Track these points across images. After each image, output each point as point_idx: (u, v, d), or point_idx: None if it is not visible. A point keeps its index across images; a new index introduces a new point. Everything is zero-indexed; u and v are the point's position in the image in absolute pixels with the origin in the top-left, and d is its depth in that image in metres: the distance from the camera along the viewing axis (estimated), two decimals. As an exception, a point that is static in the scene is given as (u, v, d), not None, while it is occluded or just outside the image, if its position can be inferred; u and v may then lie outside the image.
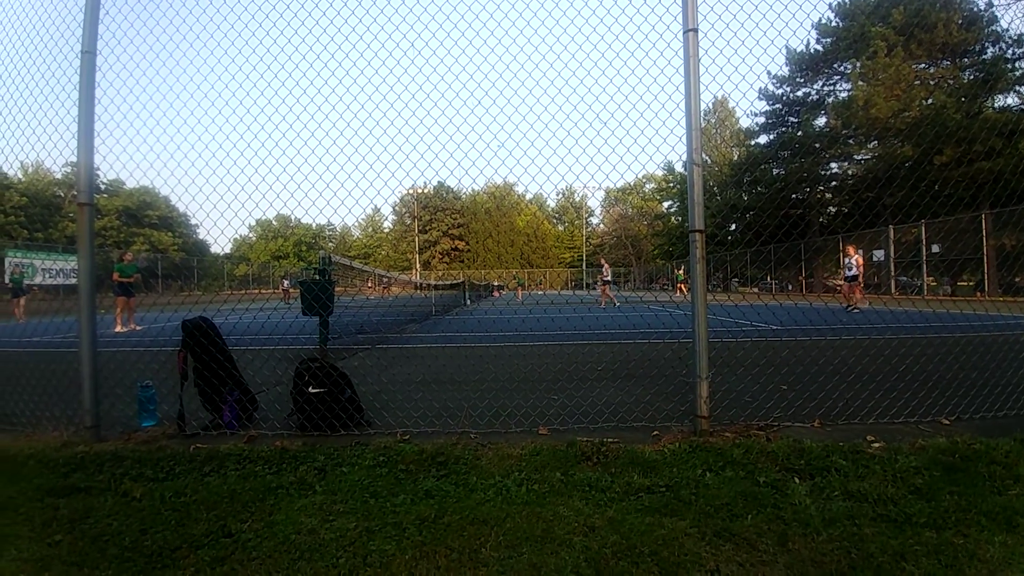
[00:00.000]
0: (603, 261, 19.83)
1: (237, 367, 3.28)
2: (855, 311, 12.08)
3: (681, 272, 25.94)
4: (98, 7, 2.93)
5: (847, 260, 12.92)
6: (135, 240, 40.72)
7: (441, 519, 1.83)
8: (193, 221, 45.39)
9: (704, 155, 2.86)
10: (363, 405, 3.21)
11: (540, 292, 44.58)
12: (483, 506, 1.93)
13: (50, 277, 27.88)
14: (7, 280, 15.22)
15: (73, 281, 26.50)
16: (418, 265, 58.47)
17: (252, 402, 3.32)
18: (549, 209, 71.57)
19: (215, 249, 46.36)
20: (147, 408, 3.12)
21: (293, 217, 59.71)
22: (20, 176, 38.91)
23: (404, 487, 2.12)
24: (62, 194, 39.88)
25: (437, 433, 2.86)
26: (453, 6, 3.11)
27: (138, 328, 10.27)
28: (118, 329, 9.79)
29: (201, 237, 45.69)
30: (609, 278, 18.40)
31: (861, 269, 12.91)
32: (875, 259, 22.95)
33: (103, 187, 40.16)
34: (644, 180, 59.52)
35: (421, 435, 2.83)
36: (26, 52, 3.25)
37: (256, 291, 40.83)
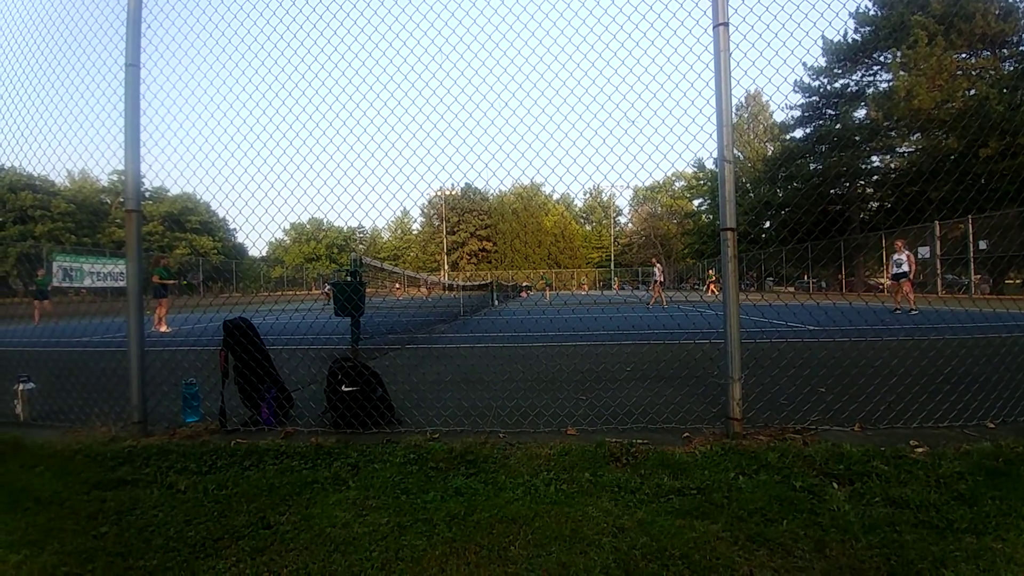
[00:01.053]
0: (655, 261, 19.59)
1: (274, 366, 3.39)
2: (907, 312, 11.27)
3: (712, 272, 25.38)
4: (140, 22, 3.07)
5: (896, 256, 11.94)
6: (178, 244, 42.42)
7: (471, 517, 1.85)
8: (232, 225, 46.91)
9: (736, 151, 2.81)
10: (394, 404, 3.27)
11: (568, 292, 44.30)
12: (512, 505, 1.94)
13: (98, 280, 29.24)
14: (34, 283, 15.97)
15: (119, 284, 27.76)
16: (446, 266, 58.96)
17: (288, 399, 3.42)
18: (576, 209, 71.17)
19: (253, 252, 47.81)
20: (191, 404, 3.25)
21: (325, 220, 61.10)
22: (67, 184, 41.00)
23: (434, 484, 2.15)
24: (109, 201, 41.85)
25: (466, 432, 2.89)
26: (480, 9, 3.14)
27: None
28: (163, 329, 10.22)
29: (239, 241, 47.35)
30: (661, 278, 18.33)
31: (913, 266, 11.99)
32: (920, 256, 22.01)
33: (148, 194, 41.93)
34: (673, 178, 58.59)
35: (451, 434, 2.86)
36: (70, 65, 3.43)
37: (292, 292, 42.05)
